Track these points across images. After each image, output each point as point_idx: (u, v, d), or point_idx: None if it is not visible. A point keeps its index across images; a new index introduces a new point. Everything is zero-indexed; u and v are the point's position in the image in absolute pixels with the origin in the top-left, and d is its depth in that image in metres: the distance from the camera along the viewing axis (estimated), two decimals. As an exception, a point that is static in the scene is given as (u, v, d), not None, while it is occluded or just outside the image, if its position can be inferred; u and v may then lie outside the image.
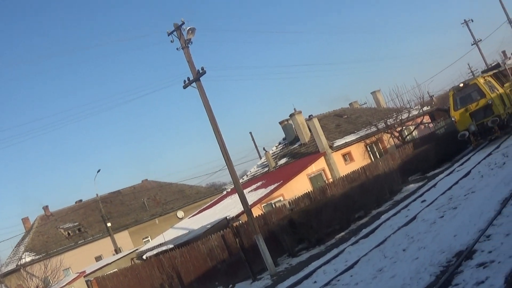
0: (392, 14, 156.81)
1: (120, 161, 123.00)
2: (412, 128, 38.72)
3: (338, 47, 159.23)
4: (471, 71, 59.95)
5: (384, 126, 36.54)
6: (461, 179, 19.89)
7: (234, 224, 23.56)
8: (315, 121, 34.29)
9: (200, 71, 20.97)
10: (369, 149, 36.65)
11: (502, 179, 15.80)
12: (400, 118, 36.80)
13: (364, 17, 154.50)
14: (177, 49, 21.35)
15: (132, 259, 32.10)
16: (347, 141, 35.36)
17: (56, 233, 46.26)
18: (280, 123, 41.15)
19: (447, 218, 14.26)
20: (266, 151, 40.98)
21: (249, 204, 22.46)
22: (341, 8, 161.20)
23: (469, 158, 25.61)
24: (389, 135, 36.84)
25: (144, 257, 28.53)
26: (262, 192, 29.84)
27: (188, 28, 20.72)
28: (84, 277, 31.68)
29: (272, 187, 29.84)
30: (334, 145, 34.24)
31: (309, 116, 35.50)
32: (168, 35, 21.27)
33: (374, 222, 20.15)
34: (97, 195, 48.83)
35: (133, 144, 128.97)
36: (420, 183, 25.98)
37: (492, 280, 8.26)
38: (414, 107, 41.48)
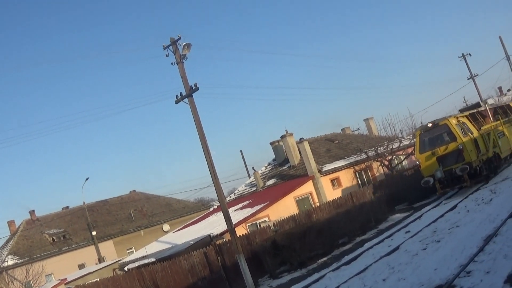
0: (393, 44, 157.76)
1: (109, 170, 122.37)
2: (402, 157, 38.85)
3: (336, 72, 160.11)
4: (466, 105, 60.24)
5: (375, 154, 36.66)
6: (447, 212, 19.97)
7: (218, 242, 23.49)
8: (306, 144, 34.38)
9: (193, 87, 21.04)
10: (358, 176, 36.70)
11: (488, 216, 15.83)
12: (391, 147, 36.92)
13: (365, 45, 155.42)
14: (172, 63, 21.46)
15: (114, 269, 31.91)
16: (336, 166, 35.41)
17: (41, 238, 45.99)
18: (271, 143, 41.23)
19: (429, 251, 14.30)
20: (255, 170, 40.97)
21: (234, 223, 22.44)
22: (343, 34, 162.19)
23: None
24: (378, 163, 36.95)
25: (126, 268, 28.34)
26: (248, 211, 29.77)
27: (184, 43, 20.86)
28: (65, 284, 31.50)
29: (258, 207, 29.78)
30: (323, 170, 34.29)
31: (300, 139, 35.60)
32: (164, 49, 21.42)
33: (357, 249, 20.13)
34: (83, 203, 48.49)
35: (123, 155, 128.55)
36: (406, 213, 25.99)
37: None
38: (405, 136, 41.66)
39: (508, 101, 50.79)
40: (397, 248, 16.51)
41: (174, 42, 21.28)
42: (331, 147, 40.70)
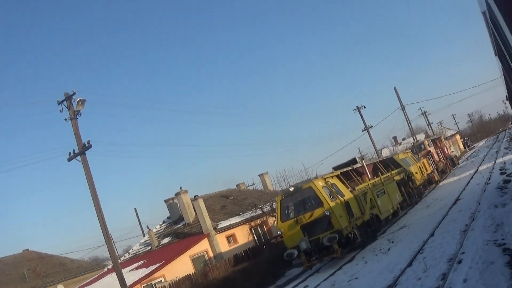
0: (290, 102, 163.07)
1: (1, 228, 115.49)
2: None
3: (233, 128, 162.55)
4: (361, 155, 62.62)
5: (270, 209, 36.99)
6: (344, 264, 19.99)
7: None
8: (201, 201, 34.10)
9: (86, 145, 20.39)
10: (253, 231, 36.76)
11: (387, 266, 15.84)
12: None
13: (262, 103, 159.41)
14: (65, 119, 20.71)
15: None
16: (231, 223, 35.31)
17: None
18: (165, 201, 40.47)
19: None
20: (149, 229, 39.91)
21: (129, 284, 21.66)
22: (240, 90, 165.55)
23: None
24: (274, 218, 37.25)
25: None
26: (143, 271, 28.87)
27: (78, 99, 20.29)
28: None
29: (154, 267, 28.96)
30: (219, 227, 34.05)
31: (195, 196, 35.27)
32: (58, 104, 20.68)
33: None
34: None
35: (16, 212, 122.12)
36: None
37: None
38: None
39: (403, 150, 53.25)
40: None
41: (68, 98, 20.64)
42: (226, 204, 40.64)
